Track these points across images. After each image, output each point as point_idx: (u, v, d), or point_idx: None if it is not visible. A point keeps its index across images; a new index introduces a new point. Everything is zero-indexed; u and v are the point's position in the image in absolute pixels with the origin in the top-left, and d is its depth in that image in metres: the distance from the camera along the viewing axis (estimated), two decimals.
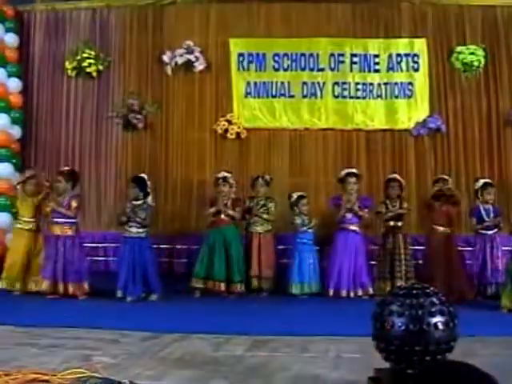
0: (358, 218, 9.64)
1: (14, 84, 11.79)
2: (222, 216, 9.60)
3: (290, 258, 9.84)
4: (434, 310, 3.39)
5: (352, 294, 9.38)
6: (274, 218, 9.90)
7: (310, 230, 9.70)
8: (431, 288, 3.58)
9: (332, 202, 9.87)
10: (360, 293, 9.41)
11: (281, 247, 10.35)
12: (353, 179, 9.72)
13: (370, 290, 9.42)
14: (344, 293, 9.37)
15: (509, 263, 8.25)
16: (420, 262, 9.93)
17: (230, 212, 9.60)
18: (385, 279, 9.44)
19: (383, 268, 9.54)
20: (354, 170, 9.90)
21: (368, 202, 9.84)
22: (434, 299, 3.44)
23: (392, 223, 9.66)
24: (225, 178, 9.75)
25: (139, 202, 9.31)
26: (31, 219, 9.63)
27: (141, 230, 9.26)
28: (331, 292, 9.38)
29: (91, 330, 6.74)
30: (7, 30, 11.80)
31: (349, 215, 9.61)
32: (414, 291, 3.48)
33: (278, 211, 10.01)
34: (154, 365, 5.22)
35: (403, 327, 3.39)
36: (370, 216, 9.86)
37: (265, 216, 9.84)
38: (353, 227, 9.64)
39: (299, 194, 9.84)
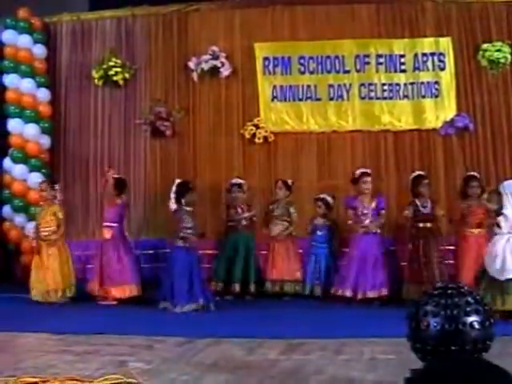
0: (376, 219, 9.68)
1: (43, 94, 11.94)
2: (243, 221, 10.02)
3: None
4: (469, 309, 3.35)
5: (371, 296, 9.33)
6: (294, 222, 10.16)
7: (322, 232, 9.92)
8: (466, 287, 3.55)
9: (346, 203, 9.90)
10: (377, 294, 9.35)
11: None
12: (368, 179, 9.72)
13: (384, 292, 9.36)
14: (361, 294, 9.33)
15: None
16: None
17: (248, 214, 10.09)
18: (415, 282, 9.31)
19: (413, 271, 9.42)
20: (368, 170, 9.89)
21: (383, 204, 9.84)
22: (470, 298, 3.40)
23: (421, 225, 9.57)
24: (240, 185, 10.26)
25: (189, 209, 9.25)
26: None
27: (194, 238, 9.21)
28: (348, 293, 9.33)
29: (124, 336, 6.79)
30: (35, 42, 11.95)
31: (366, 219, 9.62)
32: (449, 291, 3.45)
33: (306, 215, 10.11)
34: (189, 370, 5.25)
35: (439, 327, 3.36)
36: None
37: (285, 219, 10.06)
38: (370, 229, 9.63)
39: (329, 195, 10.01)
